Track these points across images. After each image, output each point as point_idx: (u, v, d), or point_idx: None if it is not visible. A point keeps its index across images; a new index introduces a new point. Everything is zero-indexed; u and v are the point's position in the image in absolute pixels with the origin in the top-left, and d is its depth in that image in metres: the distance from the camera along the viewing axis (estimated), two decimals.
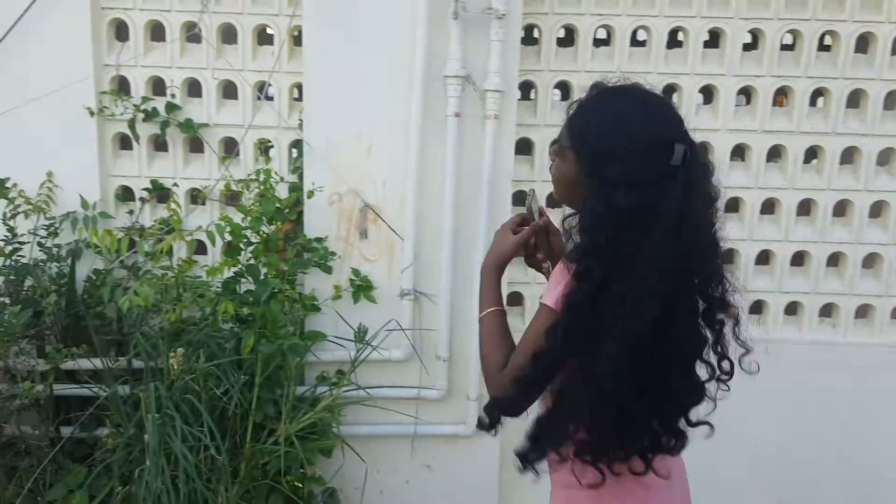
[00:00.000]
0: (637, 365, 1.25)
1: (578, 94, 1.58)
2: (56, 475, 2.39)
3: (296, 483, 2.48)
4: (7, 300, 2.51)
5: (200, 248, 2.77)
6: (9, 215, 2.47)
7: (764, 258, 2.90)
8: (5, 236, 2.48)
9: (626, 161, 1.25)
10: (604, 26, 2.74)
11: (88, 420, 2.52)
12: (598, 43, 2.77)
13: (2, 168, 2.56)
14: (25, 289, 2.55)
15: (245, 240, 2.49)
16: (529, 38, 2.90)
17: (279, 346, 2.28)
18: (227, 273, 2.49)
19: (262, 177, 2.48)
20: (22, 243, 2.52)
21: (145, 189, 2.72)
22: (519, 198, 2.64)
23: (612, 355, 1.23)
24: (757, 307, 2.90)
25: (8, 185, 2.53)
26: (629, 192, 1.23)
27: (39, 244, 2.58)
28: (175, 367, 2.16)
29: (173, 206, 2.48)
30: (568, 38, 2.90)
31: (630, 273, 1.23)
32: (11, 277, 2.47)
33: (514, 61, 2.52)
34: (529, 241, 1.54)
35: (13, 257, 2.49)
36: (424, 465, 2.77)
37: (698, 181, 1.27)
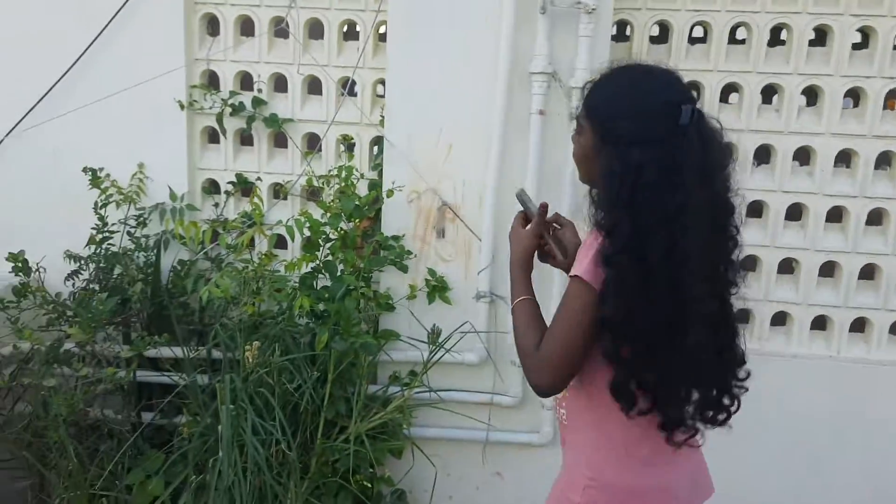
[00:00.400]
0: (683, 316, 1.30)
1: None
2: (135, 460, 2.46)
3: (365, 483, 2.47)
4: (96, 287, 2.60)
5: (280, 243, 2.80)
6: (100, 204, 2.55)
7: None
8: (96, 225, 2.55)
9: (636, 120, 1.32)
10: (700, 23, 2.60)
11: (168, 407, 2.58)
12: (693, 41, 2.64)
13: (96, 157, 2.64)
14: (114, 276, 2.63)
15: (324, 236, 2.49)
16: (620, 35, 2.79)
17: (352, 344, 2.26)
18: (305, 268, 2.50)
19: (343, 173, 2.47)
20: (112, 232, 2.59)
21: (230, 182, 2.76)
22: None
23: (663, 299, 1.28)
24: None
25: (100, 174, 2.60)
26: (644, 149, 1.29)
27: (129, 233, 2.66)
28: (250, 360, 2.18)
29: (255, 200, 2.50)
30: (661, 36, 2.78)
31: (662, 223, 1.27)
32: (101, 265, 2.55)
33: (603, 58, 2.42)
34: (542, 230, 1.58)
35: (103, 245, 2.56)
36: (495, 473, 2.71)
37: (711, 136, 1.34)
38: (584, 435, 1.50)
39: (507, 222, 2.51)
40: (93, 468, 2.43)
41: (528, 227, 1.58)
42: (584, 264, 1.34)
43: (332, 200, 2.50)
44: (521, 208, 1.65)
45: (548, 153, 2.46)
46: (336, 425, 2.45)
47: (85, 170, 2.53)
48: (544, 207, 1.57)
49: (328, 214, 2.47)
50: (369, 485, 2.49)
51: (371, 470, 2.45)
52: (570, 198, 2.46)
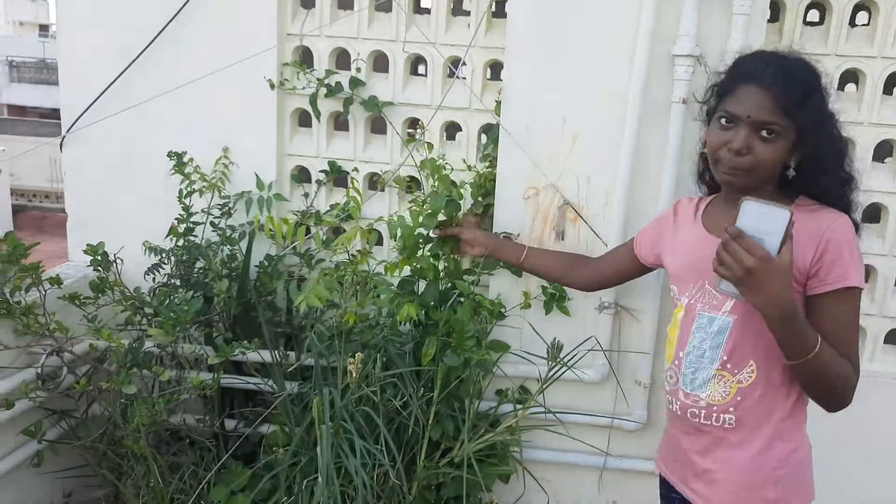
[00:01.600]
0: None
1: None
2: (218, 473, 2.24)
3: None
4: (178, 282, 2.38)
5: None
6: (185, 192, 2.31)
7: None
8: (180, 215, 2.33)
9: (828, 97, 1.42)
10: (860, 5, 2.26)
11: (252, 415, 2.36)
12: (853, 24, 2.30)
13: (180, 141, 2.41)
14: (196, 271, 2.40)
15: (421, 237, 2.22)
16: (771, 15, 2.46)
17: (466, 360, 2.00)
18: (406, 270, 2.25)
19: (432, 167, 2.20)
20: (196, 223, 2.36)
21: (322, 171, 2.51)
22: None
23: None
24: None
25: (185, 159, 2.37)
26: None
27: (212, 224, 2.43)
28: (354, 374, 1.93)
29: (353, 192, 2.24)
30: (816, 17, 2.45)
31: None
32: (184, 258, 2.32)
33: (758, 39, 2.11)
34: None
35: (186, 237, 2.33)
36: (611, 502, 2.44)
37: None
38: (761, 423, 1.47)
39: (637, 224, 2.24)
40: (174, 481, 2.23)
41: (786, 251, 1.25)
42: (851, 272, 1.34)
43: (424, 200, 2.21)
44: (751, 219, 1.26)
45: (689, 148, 2.16)
46: (439, 446, 2.21)
47: (170, 154, 2.29)
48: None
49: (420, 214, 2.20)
50: None
51: (479, 496, 2.20)
52: None
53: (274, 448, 2.13)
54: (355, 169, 2.48)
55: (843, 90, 2.44)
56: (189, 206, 2.33)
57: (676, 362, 1.55)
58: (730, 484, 1.49)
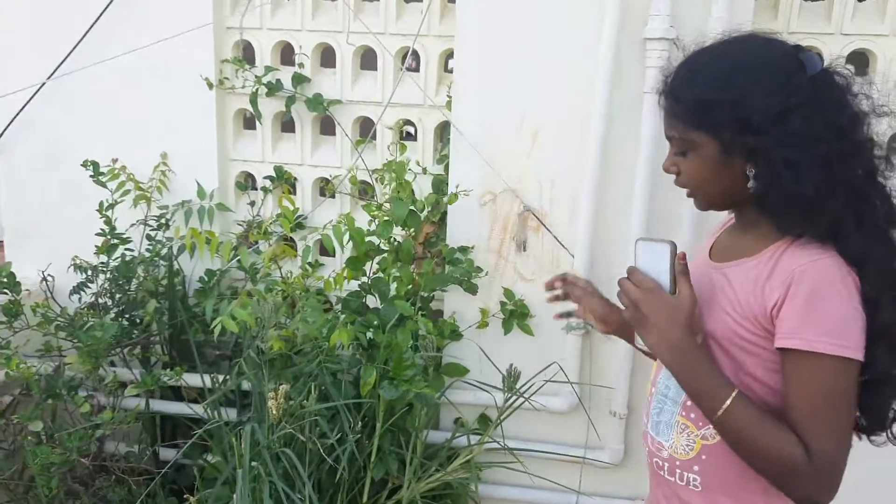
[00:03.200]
0: None
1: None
2: None
3: None
4: (109, 301, 2.18)
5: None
6: (107, 204, 2.11)
7: None
8: (102, 229, 2.13)
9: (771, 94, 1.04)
10: None
11: (192, 446, 2.16)
12: None
13: (117, 147, 2.22)
14: (132, 290, 2.21)
15: (372, 248, 1.99)
16: None
17: (404, 393, 1.76)
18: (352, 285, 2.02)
19: (393, 172, 1.96)
20: (124, 240, 2.16)
21: (268, 177, 2.29)
22: None
23: None
24: None
25: (115, 167, 2.17)
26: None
27: (148, 237, 2.23)
28: (275, 410, 1.70)
29: (285, 203, 2.02)
30: None
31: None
32: (113, 276, 2.13)
33: (745, 17, 1.81)
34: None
35: (115, 253, 2.13)
36: None
37: None
38: (730, 493, 1.16)
39: (607, 232, 1.97)
40: None
41: (677, 286, 1.09)
42: (805, 331, 1.01)
43: (381, 205, 1.99)
44: (645, 258, 1.14)
45: (666, 144, 1.87)
46: (386, 484, 1.97)
47: (85, 164, 2.09)
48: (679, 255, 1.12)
49: (377, 221, 1.97)
50: None
51: None
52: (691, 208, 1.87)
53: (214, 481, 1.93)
54: (295, 179, 2.25)
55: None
56: (114, 220, 2.13)
57: (649, 397, 1.29)
58: None
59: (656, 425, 1.25)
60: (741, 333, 1.09)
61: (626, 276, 1.13)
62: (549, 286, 1.42)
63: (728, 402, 1.03)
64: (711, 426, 1.10)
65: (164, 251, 2.15)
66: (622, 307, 1.14)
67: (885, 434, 1.12)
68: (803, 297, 1.01)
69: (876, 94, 1.11)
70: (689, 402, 1.17)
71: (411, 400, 1.78)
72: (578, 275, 1.51)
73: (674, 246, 1.09)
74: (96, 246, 2.11)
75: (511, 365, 1.82)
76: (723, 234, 1.29)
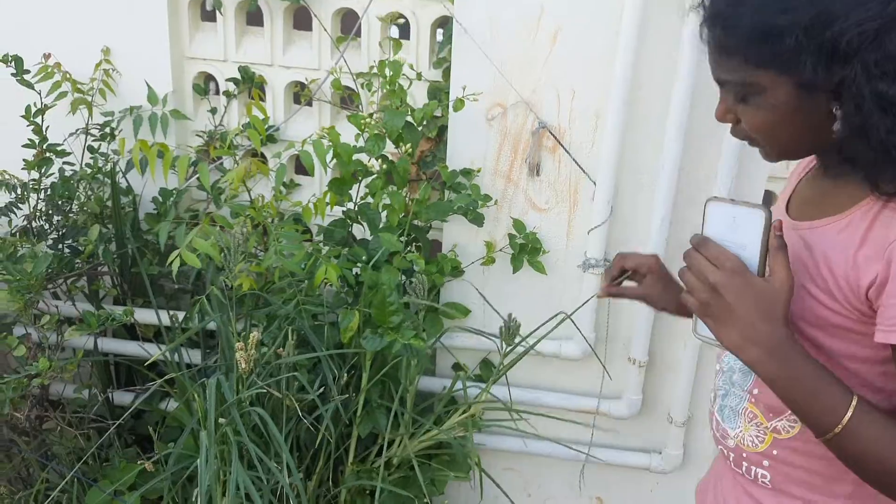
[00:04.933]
0: None
1: None
2: (102, 467, 1.80)
3: None
4: (46, 225, 1.86)
5: (303, 168, 2.00)
6: (35, 109, 1.75)
7: None
8: (30, 139, 1.78)
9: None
10: None
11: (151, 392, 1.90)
12: None
13: (52, 41, 1.84)
14: (73, 211, 1.88)
15: (360, 168, 1.68)
16: None
17: (390, 344, 1.49)
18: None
19: (387, 74, 1.63)
20: (59, 152, 1.82)
21: (231, 80, 1.94)
22: None
23: None
24: None
25: (48, 64, 1.80)
26: None
27: (91, 149, 1.89)
28: (244, 363, 1.43)
29: (255, 111, 1.68)
30: None
31: None
32: (46, 196, 1.80)
33: None
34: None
35: (49, 167, 1.79)
36: (594, 498, 1.98)
37: None
38: (800, 490, 0.95)
39: (634, 158, 1.68)
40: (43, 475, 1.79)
41: (776, 267, 0.80)
42: None
43: (371, 115, 1.67)
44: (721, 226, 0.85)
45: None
46: (377, 439, 1.74)
47: (6, 59, 1.72)
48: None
49: (365, 135, 1.65)
50: None
51: (425, 501, 1.74)
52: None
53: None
54: (264, 82, 1.90)
55: None
56: (45, 128, 1.77)
57: (718, 367, 1.04)
58: None
59: (722, 409, 1.01)
60: (823, 315, 0.84)
61: (691, 247, 0.85)
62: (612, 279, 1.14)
63: (849, 414, 0.78)
64: (786, 419, 0.88)
65: (109, 167, 1.81)
66: (684, 288, 0.86)
67: None
68: None
69: None
70: (756, 391, 0.94)
71: (398, 351, 1.51)
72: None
73: (769, 213, 0.80)
74: (24, 160, 1.77)
75: (510, 315, 1.55)
76: (802, 181, 1.00)
